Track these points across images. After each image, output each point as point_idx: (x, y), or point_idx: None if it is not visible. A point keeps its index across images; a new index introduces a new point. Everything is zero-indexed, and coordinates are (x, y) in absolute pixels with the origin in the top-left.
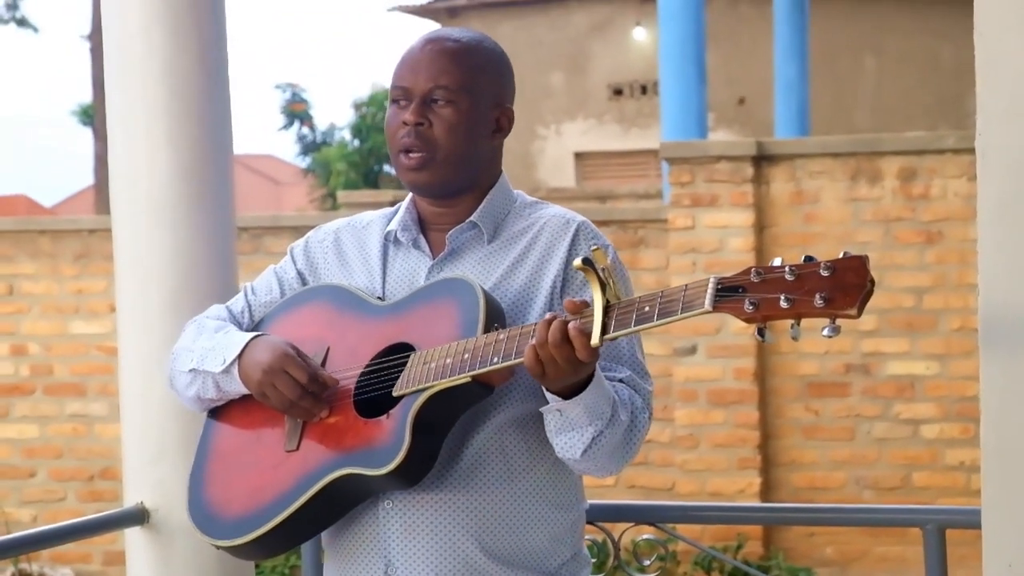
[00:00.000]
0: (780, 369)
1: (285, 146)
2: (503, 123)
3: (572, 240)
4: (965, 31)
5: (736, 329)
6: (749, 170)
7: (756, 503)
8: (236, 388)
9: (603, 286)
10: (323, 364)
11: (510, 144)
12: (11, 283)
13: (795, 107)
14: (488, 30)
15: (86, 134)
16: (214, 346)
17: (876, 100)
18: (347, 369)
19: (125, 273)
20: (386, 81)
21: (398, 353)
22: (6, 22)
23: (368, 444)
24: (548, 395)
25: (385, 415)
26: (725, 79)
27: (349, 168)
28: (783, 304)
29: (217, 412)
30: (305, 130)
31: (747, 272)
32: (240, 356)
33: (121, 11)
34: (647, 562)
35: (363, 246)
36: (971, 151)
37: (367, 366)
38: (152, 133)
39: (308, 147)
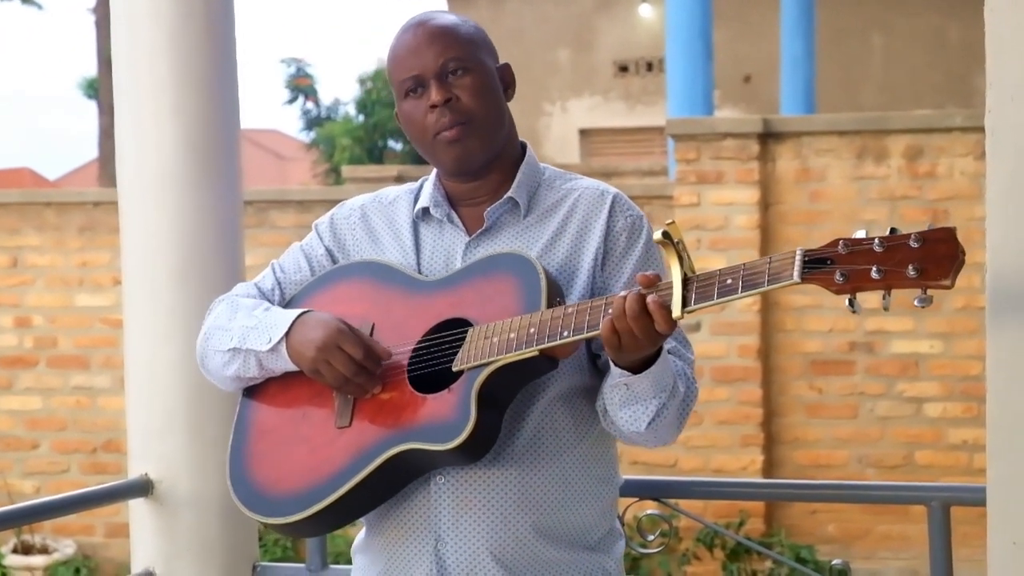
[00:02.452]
0: (784, 347)
1: (289, 121)
2: (508, 81)
3: (609, 213)
4: (973, 9)
5: (741, 307)
6: (755, 147)
7: (761, 479)
8: (282, 366)
9: (680, 259)
10: None
11: (516, 120)
12: (16, 255)
13: (801, 85)
14: (495, 7)
15: (90, 108)
16: (256, 324)
17: (883, 78)
18: (396, 345)
19: (131, 246)
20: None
21: (451, 329)
22: None
23: (430, 419)
24: (616, 370)
25: (446, 390)
26: (731, 56)
27: (354, 143)
28: (874, 275)
29: (254, 390)
30: (309, 105)
31: (834, 244)
32: (288, 334)
33: None
34: (651, 537)
35: (392, 222)
36: (978, 130)
37: (420, 341)
38: (159, 106)
39: (312, 122)
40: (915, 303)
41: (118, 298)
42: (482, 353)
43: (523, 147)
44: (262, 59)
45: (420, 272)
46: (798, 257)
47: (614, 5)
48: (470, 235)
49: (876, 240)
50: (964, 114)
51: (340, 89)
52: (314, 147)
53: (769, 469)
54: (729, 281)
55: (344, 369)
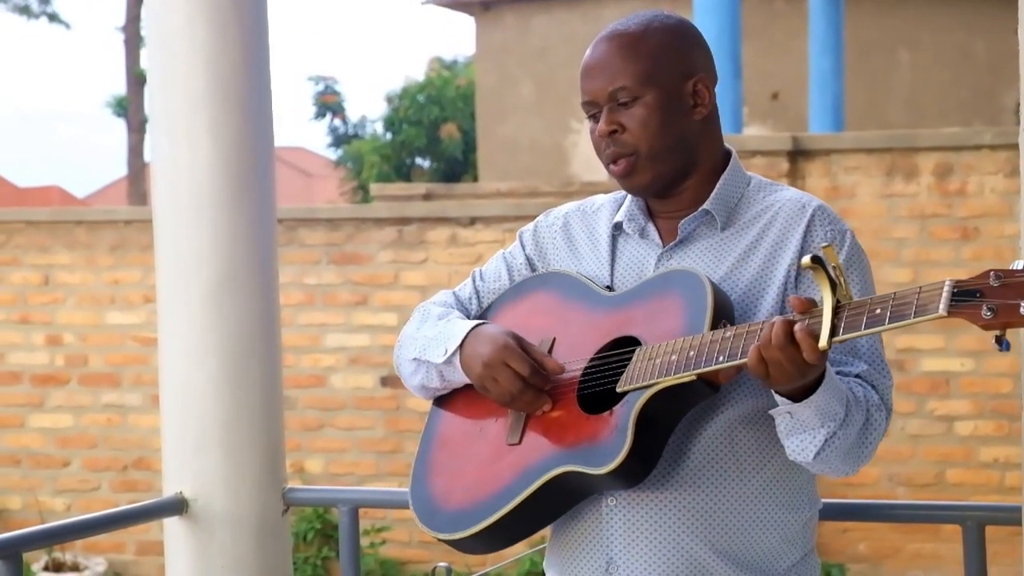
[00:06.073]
0: None
1: (315, 138)
2: (702, 94)
3: (807, 227)
4: (999, 26)
5: None
6: (784, 165)
7: None
8: (460, 378)
9: (833, 286)
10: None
11: (543, 138)
12: (47, 273)
13: (829, 102)
14: (521, 24)
15: (119, 125)
16: (436, 335)
17: (910, 95)
18: (571, 361)
19: (166, 264)
20: (418, 73)
21: (624, 346)
22: (38, 16)
23: (589, 441)
24: (777, 397)
25: (608, 412)
26: (759, 73)
27: (382, 161)
28: (1023, 311)
29: (443, 400)
30: (337, 122)
31: (985, 275)
32: (461, 346)
33: (164, 4)
34: None
35: (592, 232)
36: (1008, 147)
37: (592, 359)
38: (194, 125)
39: (340, 139)
40: None
41: (149, 316)
42: (644, 375)
43: (727, 155)
44: (288, 76)
45: (612, 285)
46: (946, 289)
47: None
48: (664, 247)
49: None
50: (993, 131)
51: (368, 107)
52: (341, 165)
53: None
54: (878, 311)
55: (510, 386)
